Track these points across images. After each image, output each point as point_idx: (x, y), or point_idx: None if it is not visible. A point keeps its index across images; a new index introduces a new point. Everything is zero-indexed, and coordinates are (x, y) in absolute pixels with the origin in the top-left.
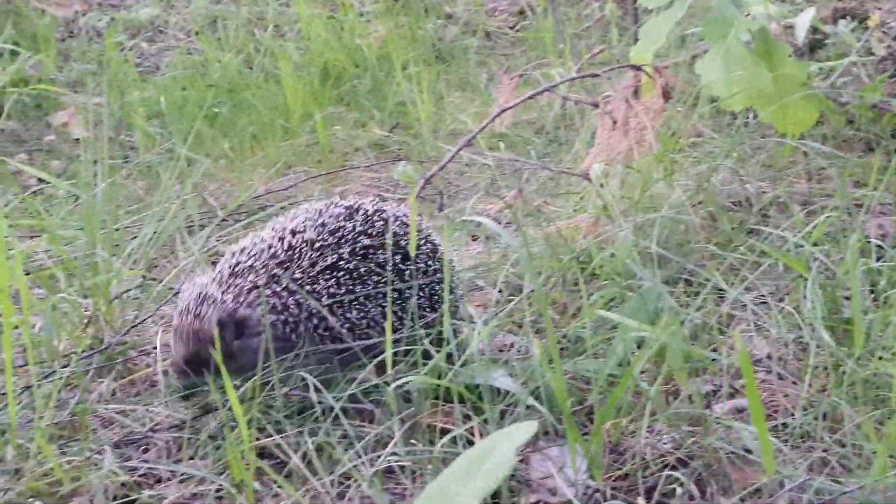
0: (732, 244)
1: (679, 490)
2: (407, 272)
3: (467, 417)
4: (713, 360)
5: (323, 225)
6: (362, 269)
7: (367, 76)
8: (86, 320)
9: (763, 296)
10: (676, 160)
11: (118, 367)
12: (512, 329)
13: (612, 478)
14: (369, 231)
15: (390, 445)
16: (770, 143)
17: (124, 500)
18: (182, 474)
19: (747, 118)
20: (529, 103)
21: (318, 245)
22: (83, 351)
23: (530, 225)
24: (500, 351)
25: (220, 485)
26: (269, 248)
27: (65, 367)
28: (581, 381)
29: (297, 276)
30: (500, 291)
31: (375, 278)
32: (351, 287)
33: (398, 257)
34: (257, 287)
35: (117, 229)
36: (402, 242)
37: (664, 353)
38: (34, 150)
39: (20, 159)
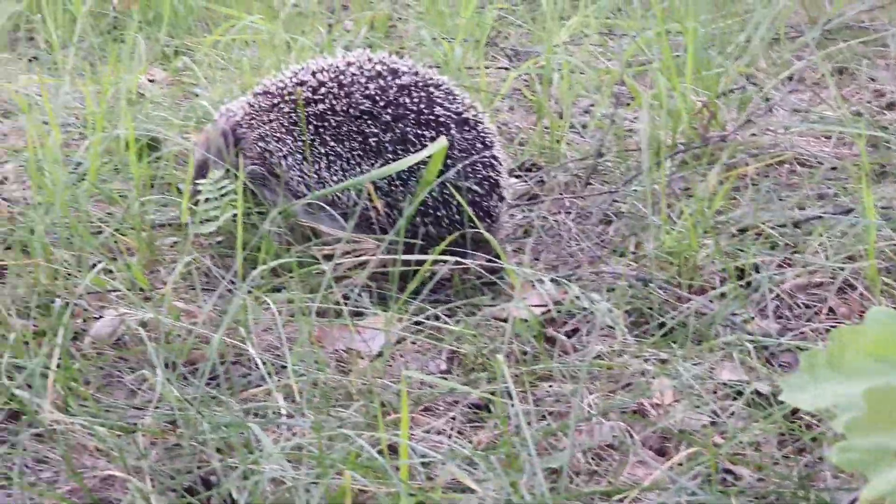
0: None
1: None
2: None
3: None
4: None
5: (338, 74)
6: (346, 128)
7: None
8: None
9: None
10: None
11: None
12: None
13: None
14: (376, 95)
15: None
16: None
17: None
18: None
19: None
20: None
21: (304, 95)
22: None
23: None
24: None
25: None
26: (283, 85)
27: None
28: None
29: (273, 119)
30: None
31: (360, 139)
32: (329, 145)
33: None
34: (258, 116)
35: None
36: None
37: None
38: None
39: None
